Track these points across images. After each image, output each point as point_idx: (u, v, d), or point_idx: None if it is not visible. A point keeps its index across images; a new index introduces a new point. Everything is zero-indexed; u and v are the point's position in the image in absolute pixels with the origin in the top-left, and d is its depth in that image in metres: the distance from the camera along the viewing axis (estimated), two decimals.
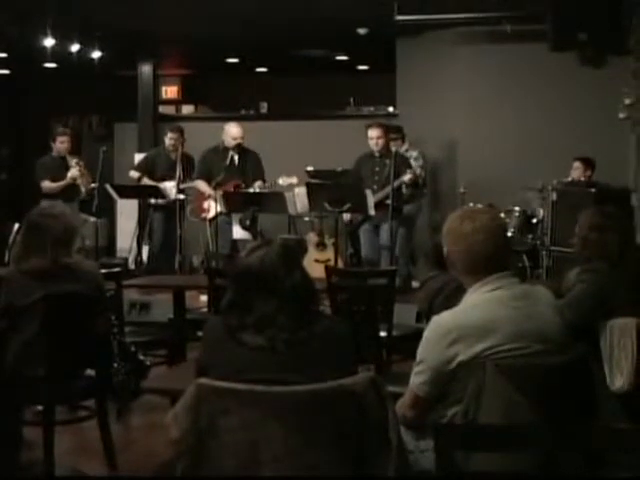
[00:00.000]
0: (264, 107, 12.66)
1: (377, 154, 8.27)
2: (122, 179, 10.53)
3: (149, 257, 10.06)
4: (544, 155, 9.38)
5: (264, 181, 8.66)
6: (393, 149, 8.25)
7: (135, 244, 10.69)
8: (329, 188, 7.89)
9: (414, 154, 9.27)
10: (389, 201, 7.72)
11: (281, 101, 12.65)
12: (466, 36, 9.93)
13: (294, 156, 10.13)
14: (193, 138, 9.60)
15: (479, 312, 2.82)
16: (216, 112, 12.59)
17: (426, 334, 2.86)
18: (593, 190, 7.95)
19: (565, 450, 2.44)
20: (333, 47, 12.22)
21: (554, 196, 8.05)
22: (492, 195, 8.71)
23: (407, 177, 7.88)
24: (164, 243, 9.47)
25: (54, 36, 9.86)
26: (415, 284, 7.82)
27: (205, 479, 2.55)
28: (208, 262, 7.97)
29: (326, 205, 7.42)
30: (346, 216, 8.19)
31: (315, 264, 8.67)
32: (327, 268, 5.21)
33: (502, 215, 8.02)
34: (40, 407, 4.28)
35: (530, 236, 8.57)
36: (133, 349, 4.35)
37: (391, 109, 11.13)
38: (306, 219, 9.88)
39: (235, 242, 8.50)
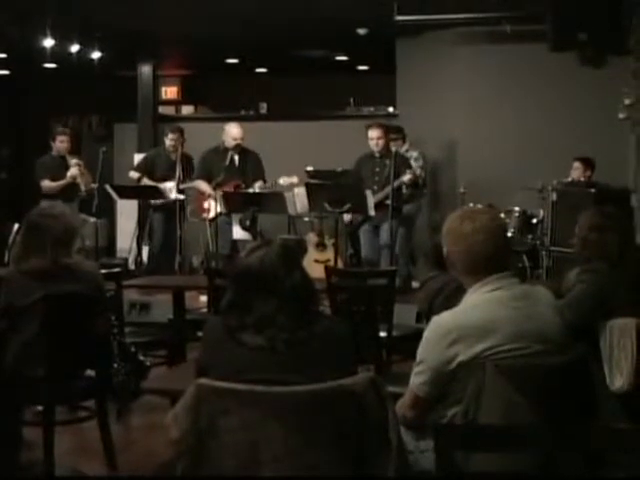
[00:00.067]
0: (264, 107, 12.66)
1: (377, 154, 8.27)
2: (122, 179, 10.53)
3: (149, 257, 10.06)
4: (544, 155, 9.38)
5: (264, 181, 8.67)
6: (393, 149, 8.26)
7: (135, 244, 10.70)
8: (329, 188, 7.89)
9: (414, 154, 9.27)
10: (389, 201, 7.72)
11: (281, 101, 12.65)
12: (466, 36, 9.93)
13: (294, 156, 10.13)
14: (193, 138, 9.60)
15: (479, 312, 2.83)
16: (216, 112, 12.59)
17: (426, 334, 2.86)
18: (593, 190, 7.95)
19: (565, 450, 2.44)
20: (333, 47, 12.22)
21: (554, 196, 8.05)
22: (492, 195, 8.72)
23: (407, 177, 7.88)
24: (164, 243, 9.47)
25: (54, 36, 9.87)
26: (415, 284, 7.82)
27: (205, 479, 2.55)
28: (208, 262, 7.98)
29: (326, 205, 7.42)
30: (346, 216, 8.19)
31: (315, 264, 8.67)
32: (327, 268, 5.22)
33: (502, 215, 8.02)
34: (40, 407, 4.28)
35: (530, 236, 8.57)
36: (133, 349, 4.35)
37: (391, 109, 11.14)
38: (306, 219, 9.88)
39: (235, 242, 8.51)
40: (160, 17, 9.93)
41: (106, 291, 4.69)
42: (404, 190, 8.25)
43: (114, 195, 8.98)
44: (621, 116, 8.26)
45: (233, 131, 8.66)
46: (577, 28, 8.15)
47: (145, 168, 9.51)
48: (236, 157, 8.69)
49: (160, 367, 5.24)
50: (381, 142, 8.23)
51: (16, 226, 7.35)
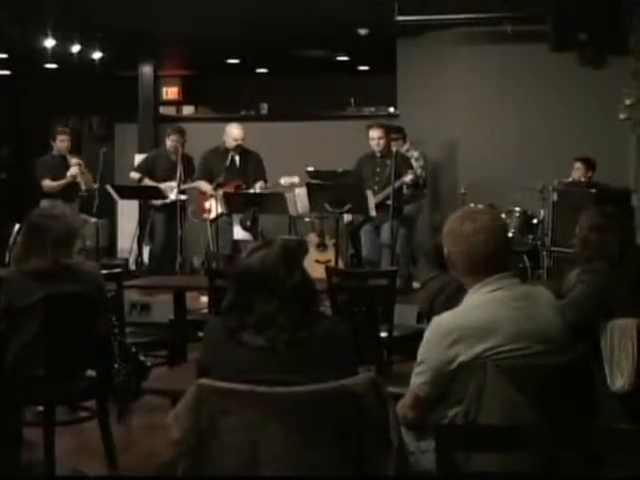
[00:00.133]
0: (264, 108, 12.67)
1: (378, 154, 8.27)
2: (123, 180, 10.53)
3: (150, 258, 10.06)
4: (544, 155, 9.38)
5: (265, 182, 8.67)
6: (394, 149, 8.26)
7: (136, 245, 10.70)
8: (330, 189, 7.89)
9: (415, 154, 9.27)
10: (390, 201, 7.72)
11: (281, 102, 12.65)
12: (467, 36, 9.94)
13: (295, 157, 10.14)
14: (193, 139, 9.60)
15: (480, 313, 2.82)
16: (216, 113, 12.59)
17: (427, 335, 2.86)
18: (593, 191, 7.95)
19: (566, 450, 2.44)
20: (334, 48, 12.22)
21: (555, 196, 8.05)
22: (493, 195, 8.71)
23: (408, 177, 7.88)
24: (166, 244, 9.46)
25: (55, 37, 9.87)
26: (416, 285, 7.82)
27: (206, 479, 2.55)
28: (209, 263, 7.98)
29: (327, 206, 7.42)
30: (347, 217, 8.19)
31: (316, 265, 8.67)
32: (327, 269, 5.22)
33: (503, 216, 8.01)
34: (41, 407, 4.29)
35: (531, 237, 8.57)
36: (134, 350, 4.35)
37: (392, 110, 11.14)
38: (307, 220, 9.88)
39: (236, 243, 8.50)
40: (161, 17, 9.93)
41: (107, 291, 4.69)
42: (405, 190, 8.25)
43: (115, 195, 8.99)
44: (621, 116, 8.26)
45: (234, 132, 8.66)
46: (577, 28, 8.15)
47: (146, 169, 9.51)
48: (237, 157, 8.69)
49: (161, 367, 5.25)
50: (382, 142, 8.23)
51: (17, 226, 7.35)
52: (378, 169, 8.24)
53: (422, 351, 2.86)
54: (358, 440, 2.53)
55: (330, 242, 9.26)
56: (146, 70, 12.20)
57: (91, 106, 13.99)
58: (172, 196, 8.97)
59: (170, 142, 9.35)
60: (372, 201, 7.41)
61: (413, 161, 8.75)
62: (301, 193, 8.49)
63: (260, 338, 2.66)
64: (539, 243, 8.45)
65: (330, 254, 8.92)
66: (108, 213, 10.88)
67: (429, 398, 2.83)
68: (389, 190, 7.77)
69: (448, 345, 2.76)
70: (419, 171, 8.41)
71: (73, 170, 9.13)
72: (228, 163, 8.56)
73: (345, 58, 13.07)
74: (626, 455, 2.39)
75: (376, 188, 8.01)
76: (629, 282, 4.12)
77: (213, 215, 8.67)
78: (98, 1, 9.03)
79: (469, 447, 2.42)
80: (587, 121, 9.46)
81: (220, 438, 2.50)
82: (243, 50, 12.22)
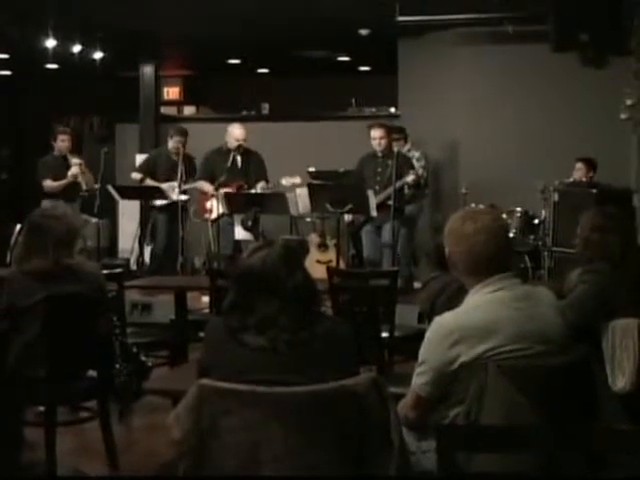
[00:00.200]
0: (265, 108, 12.67)
1: (380, 154, 8.27)
2: (124, 180, 10.54)
3: (151, 258, 10.06)
4: (546, 156, 9.38)
5: (267, 182, 8.67)
6: (395, 149, 8.26)
7: (137, 245, 10.69)
8: (331, 189, 7.90)
9: (416, 154, 9.27)
10: (391, 202, 7.71)
11: (282, 102, 12.65)
12: (468, 37, 9.93)
13: (296, 157, 10.14)
14: (194, 139, 9.60)
15: (481, 313, 2.82)
16: (217, 113, 12.59)
17: (428, 335, 2.86)
18: (595, 191, 7.95)
19: (567, 451, 2.44)
20: (334, 48, 12.22)
21: (556, 197, 8.05)
22: (494, 196, 8.71)
23: (410, 178, 7.87)
24: (168, 244, 9.46)
25: (56, 37, 9.88)
26: (417, 285, 7.81)
27: (207, 479, 2.55)
28: (210, 263, 7.99)
29: (328, 206, 7.42)
30: (348, 217, 8.18)
31: (317, 265, 8.67)
32: (329, 269, 5.22)
33: (504, 216, 8.00)
34: (42, 408, 4.29)
35: (532, 237, 8.57)
36: (135, 350, 4.35)
37: (393, 110, 11.14)
38: (308, 220, 9.88)
39: (237, 243, 8.51)
40: (162, 17, 9.93)
41: (108, 292, 4.70)
42: (406, 191, 8.25)
43: (116, 195, 8.99)
44: (623, 117, 8.27)
45: (236, 132, 8.66)
46: (579, 29, 8.16)
47: (147, 169, 9.50)
48: (239, 158, 8.69)
49: (162, 368, 5.25)
50: (383, 142, 8.23)
51: (18, 227, 7.35)
52: (379, 169, 8.24)
53: (423, 351, 2.85)
54: (359, 440, 2.53)
55: (331, 242, 9.26)
56: (147, 70, 12.21)
57: (92, 106, 14.00)
58: (173, 196, 8.97)
59: (173, 143, 9.33)
60: (373, 201, 7.41)
61: (414, 161, 8.74)
62: (302, 193, 8.50)
63: (261, 338, 2.65)
64: (540, 243, 8.45)
65: (331, 254, 8.93)
66: (109, 213, 10.88)
67: (430, 398, 2.83)
68: (390, 190, 7.76)
69: (449, 345, 2.76)
70: (420, 171, 8.40)
71: (74, 170, 9.14)
72: (230, 163, 8.56)
73: (346, 58, 13.07)
74: (627, 455, 2.39)
75: (377, 188, 8.01)
76: (630, 282, 4.12)
77: (214, 215, 8.66)
78: (99, 1, 9.03)
79: (470, 447, 2.42)
80: (588, 121, 9.45)
81: (221, 438, 2.50)
82: (244, 50, 12.22)
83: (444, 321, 2.84)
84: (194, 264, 10.64)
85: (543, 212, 8.51)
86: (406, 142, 9.36)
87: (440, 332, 2.81)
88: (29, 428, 4.33)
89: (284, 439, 2.48)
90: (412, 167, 8.16)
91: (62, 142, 9.31)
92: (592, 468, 2.53)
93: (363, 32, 10.54)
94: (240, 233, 8.42)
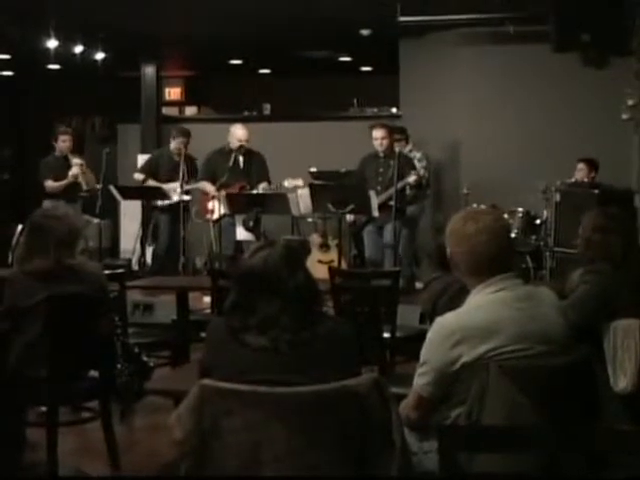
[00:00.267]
0: (267, 108, 12.67)
1: (381, 154, 8.27)
2: (125, 180, 10.54)
3: (153, 258, 10.06)
4: (547, 156, 9.38)
5: (269, 183, 8.67)
6: (397, 150, 8.25)
7: (139, 245, 10.70)
8: (332, 189, 7.89)
9: (418, 155, 9.27)
10: (392, 202, 7.71)
11: (284, 102, 12.65)
12: (469, 37, 9.93)
13: (297, 157, 10.14)
14: (196, 139, 9.59)
15: (483, 313, 2.82)
16: (219, 113, 12.60)
17: (430, 335, 2.86)
18: (596, 191, 7.95)
19: (568, 451, 2.44)
20: (336, 48, 12.23)
21: (557, 197, 8.05)
22: (495, 196, 8.71)
23: (412, 178, 7.88)
24: (169, 245, 9.46)
25: (57, 38, 9.89)
26: (419, 285, 7.82)
27: (208, 479, 2.55)
28: (211, 263, 7.99)
29: (329, 206, 7.42)
30: (349, 217, 8.18)
31: (318, 265, 8.68)
32: (330, 269, 5.22)
33: (505, 216, 7.99)
34: (43, 408, 4.29)
35: (533, 237, 8.57)
36: (137, 350, 4.35)
37: (394, 110, 11.14)
38: (309, 220, 9.89)
39: (239, 243, 8.51)
40: (163, 18, 9.94)
41: (110, 292, 4.69)
42: (408, 191, 8.25)
43: (118, 196, 8.99)
44: (624, 117, 8.26)
45: (238, 132, 8.67)
46: (580, 29, 8.16)
47: (149, 170, 9.50)
48: (241, 158, 8.69)
49: (164, 368, 5.25)
50: (385, 142, 8.23)
51: (19, 227, 7.36)
52: (381, 169, 8.24)
53: (425, 352, 2.85)
54: (361, 441, 2.53)
55: (333, 242, 9.27)
56: (148, 71, 12.22)
57: (93, 107, 14.02)
58: (175, 197, 8.97)
59: (175, 143, 9.32)
60: (375, 201, 7.41)
61: (416, 162, 8.74)
62: (304, 193, 8.50)
63: (263, 338, 2.65)
64: (542, 244, 8.44)
65: (333, 254, 8.93)
66: (111, 214, 10.89)
67: (432, 399, 2.83)
68: (392, 191, 7.76)
69: (451, 346, 2.76)
70: (422, 172, 8.40)
71: (74, 170, 9.14)
72: (231, 164, 8.57)
73: (348, 59, 13.08)
74: (629, 456, 2.38)
75: (379, 188, 8.01)
76: (632, 283, 4.12)
77: (216, 216, 8.67)
78: (100, 2, 9.04)
79: (472, 448, 2.42)
80: (590, 122, 9.45)
81: (222, 438, 2.50)
82: (245, 51, 12.22)
83: (446, 321, 2.84)
84: (196, 264, 10.64)
85: (545, 212, 8.51)
86: (407, 142, 9.35)
87: (442, 332, 2.81)
88: (31, 428, 4.33)
89: (285, 439, 2.48)
90: (414, 167, 8.16)
91: (63, 142, 9.32)
92: (593, 468, 2.53)
93: (364, 32, 10.54)
94: (242, 233, 8.42)
